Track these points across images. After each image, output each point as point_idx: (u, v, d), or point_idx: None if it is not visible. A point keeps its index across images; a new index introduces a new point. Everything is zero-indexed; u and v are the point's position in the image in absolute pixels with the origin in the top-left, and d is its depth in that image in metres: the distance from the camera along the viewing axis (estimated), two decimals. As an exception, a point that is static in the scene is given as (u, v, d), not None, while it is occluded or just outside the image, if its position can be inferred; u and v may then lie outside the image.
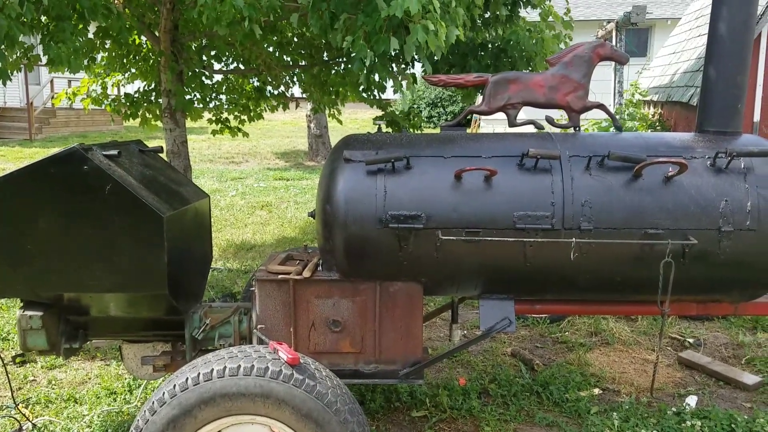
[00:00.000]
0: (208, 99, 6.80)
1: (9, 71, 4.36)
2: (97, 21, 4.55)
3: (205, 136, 16.16)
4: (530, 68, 5.88)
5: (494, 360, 4.46)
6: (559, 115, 3.12)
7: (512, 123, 3.10)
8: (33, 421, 3.54)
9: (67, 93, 6.95)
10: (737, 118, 3.03)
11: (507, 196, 2.75)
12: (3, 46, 4.00)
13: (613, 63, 4.65)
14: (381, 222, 2.72)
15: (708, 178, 2.78)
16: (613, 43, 9.24)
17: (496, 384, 4.04)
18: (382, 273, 2.85)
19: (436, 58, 4.09)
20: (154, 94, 6.44)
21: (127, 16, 5.29)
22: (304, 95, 7.14)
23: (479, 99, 6.26)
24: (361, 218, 2.73)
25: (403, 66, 4.87)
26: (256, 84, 6.91)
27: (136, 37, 6.29)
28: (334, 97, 6.75)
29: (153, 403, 2.39)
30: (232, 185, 11.87)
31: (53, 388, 4.00)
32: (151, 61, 6.36)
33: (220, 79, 6.83)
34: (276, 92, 6.97)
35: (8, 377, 3.47)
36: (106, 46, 6.04)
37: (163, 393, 2.38)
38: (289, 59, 6.55)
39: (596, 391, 4.01)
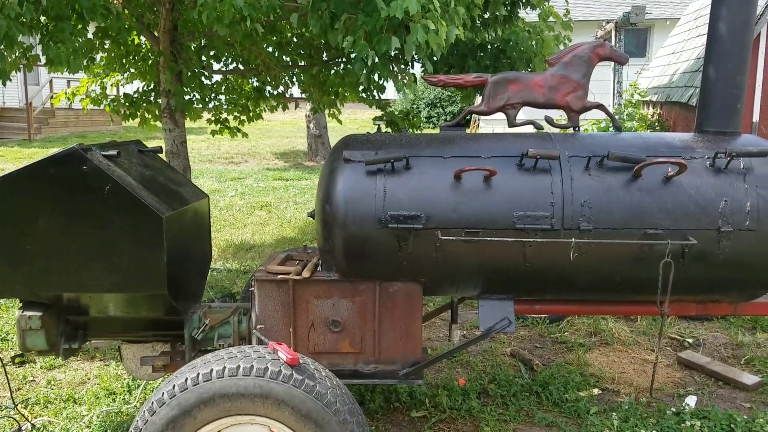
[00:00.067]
0: (207, 99, 6.79)
1: (8, 71, 4.36)
2: (96, 21, 4.55)
3: (204, 137, 16.15)
4: (529, 68, 5.87)
5: (494, 360, 4.45)
6: (559, 116, 3.12)
7: (512, 123, 3.10)
8: (32, 422, 3.54)
9: (66, 93, 6.94)
10: (736, 118, 3.03)
11: (506, 197, 2.75)
12: (2, 47, 4.00)
13: (612, 63, 4.64)
14: (380, 222, 2.72)
15: (707, 179, 2.78)
16: (613, 43, 9.25)
17: (495, 384, 4.03)
18: (381, 273, 2.85)
19: (435, 57, 4.08)
20: (153, 94, 6.44)
21: (126, 16, 5.28)
22: (304, 95, 7.13)
23: (479, 99, 6.26)
24: (360, 218, 2.73)
25: (403, 66, 4.86)
26: (256, 84, 6.90)
27: (136, 37, 6.29)
28: (333, 97, 6.74)
29: (152, 403, 2.38)
30: (232, 185, 11.86)
31: (52, 389, 4.00)
32: (150, 61, 6.36)
33: (219, 80, 6.82)
34: (275, 92, 6.97)
35: (7, 377, 3.47)
36: (106, 46, 6.03)
37: (163, 393, 2.38)
38: (288, 59, 6.55)
39: (596, 391, 4.01)
